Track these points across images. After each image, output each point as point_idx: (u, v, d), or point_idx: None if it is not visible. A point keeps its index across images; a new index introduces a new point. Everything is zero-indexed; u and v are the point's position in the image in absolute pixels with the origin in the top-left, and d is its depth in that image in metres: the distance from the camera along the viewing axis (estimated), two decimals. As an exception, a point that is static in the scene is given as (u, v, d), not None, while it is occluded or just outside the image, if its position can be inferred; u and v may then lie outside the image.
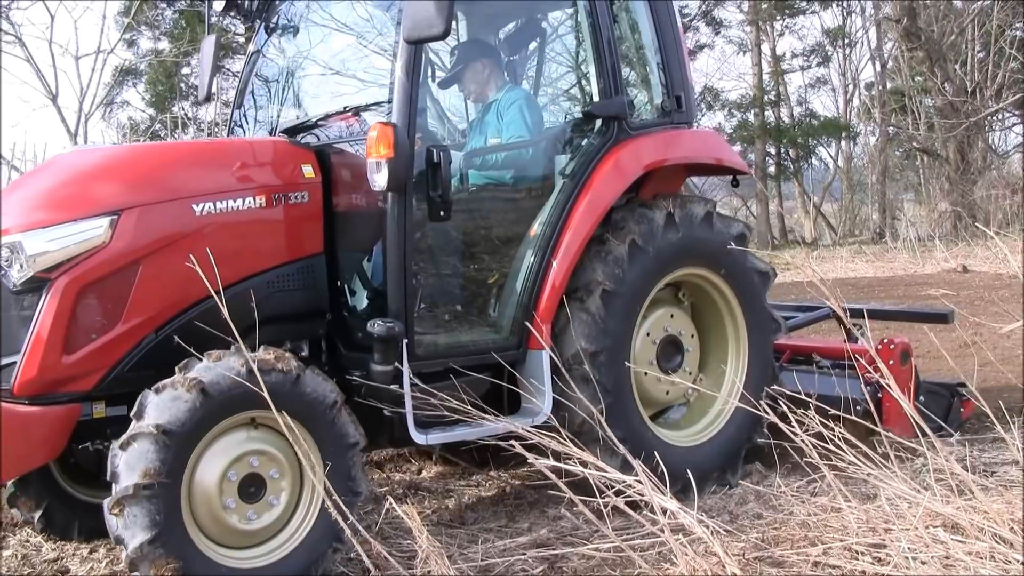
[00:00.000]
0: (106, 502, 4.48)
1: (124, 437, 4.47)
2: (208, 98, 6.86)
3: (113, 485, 4.47)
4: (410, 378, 5.28)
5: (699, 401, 6.56)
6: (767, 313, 6.62)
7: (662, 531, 4.28)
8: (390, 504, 5.39)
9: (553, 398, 5.67)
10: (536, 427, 5.30)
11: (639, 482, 4.44)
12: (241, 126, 6.61)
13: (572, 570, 4.98)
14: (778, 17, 39.14)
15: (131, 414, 4.58)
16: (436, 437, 5.48)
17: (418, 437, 5.35)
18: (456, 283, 6.03)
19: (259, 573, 4.79)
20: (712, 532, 4.35)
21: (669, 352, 6.37)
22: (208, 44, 6.82)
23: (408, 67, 5.31)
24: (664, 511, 4.32)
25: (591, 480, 4.61)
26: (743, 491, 6.07)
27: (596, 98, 6.27)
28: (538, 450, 4.86)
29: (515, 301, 5.88)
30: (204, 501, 4.66)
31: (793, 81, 46.70)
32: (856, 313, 7.57)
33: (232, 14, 6.55)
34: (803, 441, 4.75)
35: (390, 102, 5.36)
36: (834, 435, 4.81)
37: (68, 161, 5.43)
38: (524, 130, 6.24)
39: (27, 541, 5.75)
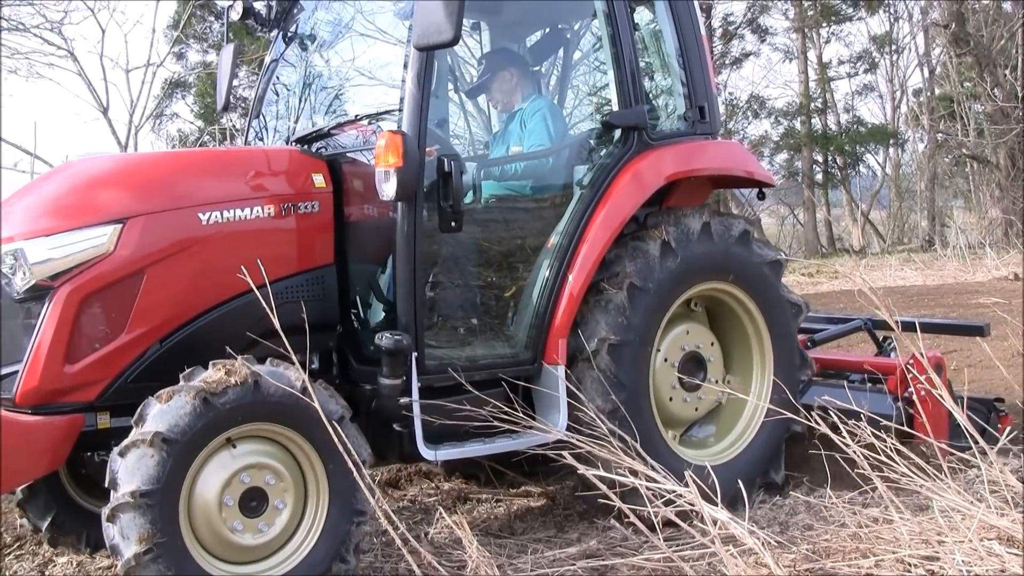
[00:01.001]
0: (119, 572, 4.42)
1: (108, 510, 4.38)
2: (226, 107, 6.83)
3: (115, 559, 4.41)
4: (419, 392, 5.22)
5: (729, 408, 6.42)
6: (785, 301, 6.44)
7: (713, 542, 4.25)
8: (440, 514, 5.38)
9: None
10: (588, 436, 5.29)
11: (690, 492, 4.42)
12: (260, 135, 6.58)
13: (621, 581, 4.95)
14: (824, 24, 38.88)
15: (106, 484, 4.49)
16: (446, 453, 5.39)
17: (427, 453, 5.26)
18: (470, 295, 5.92)
19: (295, 573, 4.76)
20: (763, 543, 4.31)
21: (691, 368, 6.22)
22: (226, 53, 6.81)
23: (419, 75, 5.24)
24: (715, 522, 4.30)
25: (641, 490, 4.59)
26: (793, 502, 5.99)
27: (616, 107, 6.17)
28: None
29: (530, 314, 5.79)
30: (211, 536, 4.60)
31: (840, 88, 46.55)
32: (880, 325, 7.55)
33: (250, 22, 6.51)
34: (855, 452, 4.71)
35: (401, 110, 5.30)
36: (886, 446, 4.78)
37: (76, 168, 5.39)
38: (546, 139, 6.17)
39: (78, 548, 5.77)
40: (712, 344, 6.34)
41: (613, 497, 4.42)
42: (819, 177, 39.80)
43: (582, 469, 4.61)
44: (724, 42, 37.66)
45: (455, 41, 4.99)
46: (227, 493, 4.60)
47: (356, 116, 5.84)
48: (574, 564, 5.15)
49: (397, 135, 5.07)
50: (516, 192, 6.18)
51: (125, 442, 4.43)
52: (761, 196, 7.30)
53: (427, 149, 5.29)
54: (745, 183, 7.02)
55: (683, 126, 6.45)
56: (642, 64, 6.38)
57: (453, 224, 5.33)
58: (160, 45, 31.30)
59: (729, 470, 6.01)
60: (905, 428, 6.03)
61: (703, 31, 6.60)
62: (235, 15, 6.43)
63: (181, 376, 4.61)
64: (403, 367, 5.15)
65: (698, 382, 6.21)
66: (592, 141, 6.43)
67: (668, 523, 4.60)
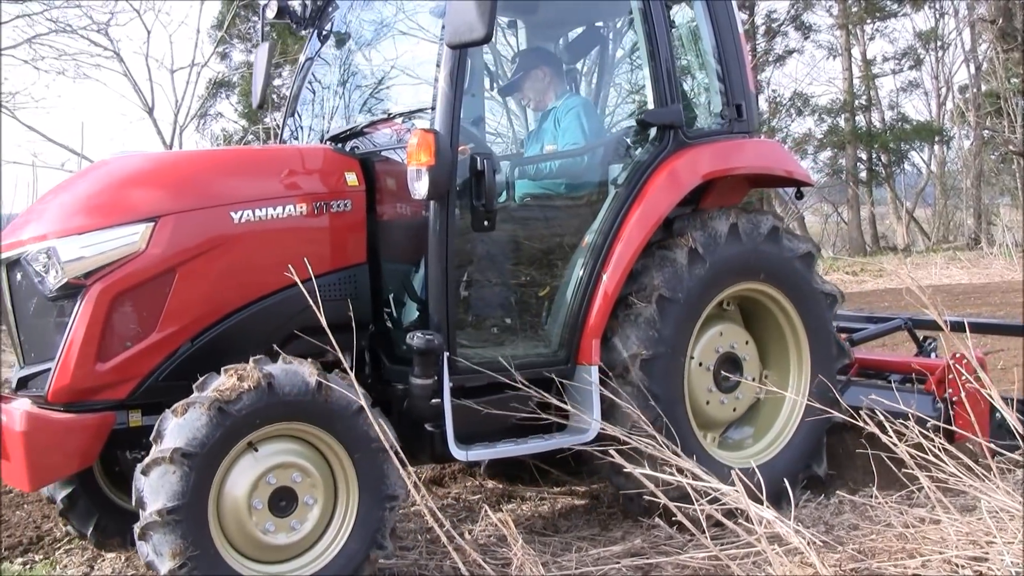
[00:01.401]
0: None
1: (139, 530, 4.39)
2: (262, 105, 6.85)
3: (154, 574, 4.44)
4: (450, 392, 5.19)
5: (768, 405, 6.34)
6: (819, 293, 6.35)
7: (759, 541, 4.21)
8: (485, 512, 5.33)
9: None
10: (624, 438, 5.22)
11: (735, 491, 4.36)
12: (295, 134, 6.57)
13: (666, 580, 4.92)
14: (868, 20, 38.55)
15: (133, 504, 4.49)
16: (477, 453, 5.39)
17: (458, 453, 5.24)
18: (503, 295, 5.87)
19: (334, 564, 4.75)
20: (808, 542, 4.26)
21: (727, 369, 6.14)
22: (262, 51, 6.81)
23: (451, 73, 5.20)
24: (760, 521, 4.25)
25: (688, 489, 4.54)
26: (838, 501, 5.95)
27: (651, 106, 6.09)
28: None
29: (564, 314, 5.74)
30: (245, 540, 4.61)
31: (884, 85, 46.07)
32: (931, 324, 7.51)
33: (285, 21, 6.50)
34: (903, 452, 4.63)
35: (434, 109, 5.26)
36: (933, 446, 4.69)
37: (109, 167, 5.40)
38: (580, 137, 6.12)
39: (125, 547, 5.80)
40: (747, 343, 6.26)
41: (660, 495, 4.41)
42: (863, 175, 39.46)
43: (628, 467, 4.55)
44: (767, 39, 37.45)
45: (488, 39, 4.95)
46: (255, 496, 4.60)
47: (389, 114, 5.85)
48: (618, 562, 5.13)
49: (429, 133, 5.04)
50: (550, 191, 6.13)
51: (146, 460, 4.43)
52: (799, 195, 7.21)
53: (460, 147, 5.26)
54: (783, 182, 6.92)
55: (720, 124, 6.38)
56: (679, 62, 6.31)
57: (486, 223, 5.29)
58: (204, 45, 31.57)
59: (771, 468, 5.95)
60: (952, 428, 5.93)
61: (740, 28, 6.51)
62: (270, 13, 6.42)
63: (194, 386, 4.59)
64: (435, 367, 5.13)
65: (737, 378, 6.15)
66: (627, 139, 6.37)
67: (712, 523, 4.55)
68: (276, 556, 4.69)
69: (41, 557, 5.92)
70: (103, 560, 5.73)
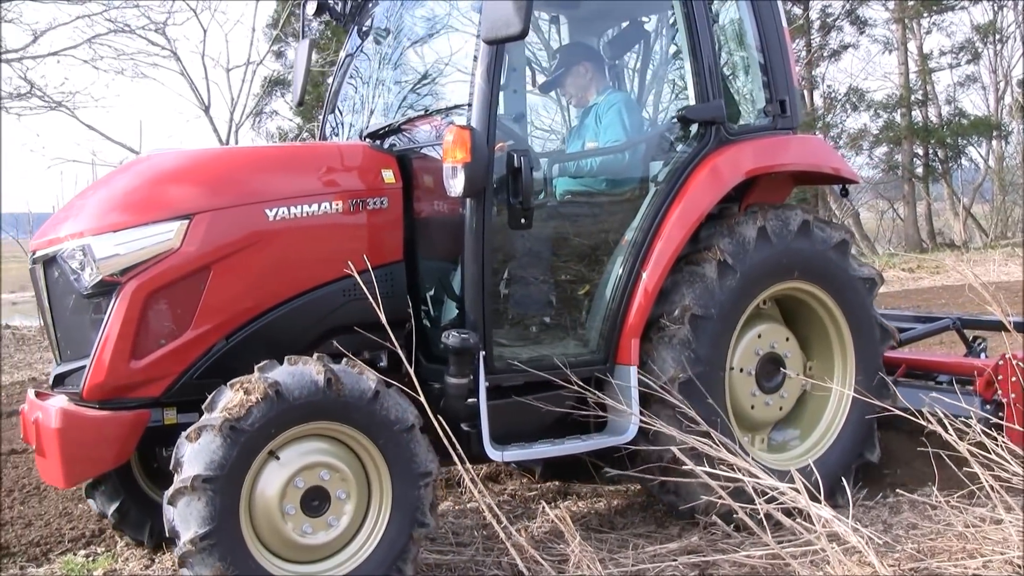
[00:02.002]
0: None
1: (178, 557, 4.38)
2: (301, 102, 6.83)
3: None
4: (486, 392, 5.16)
5: (814, 401, 6.26)
6: (857, 280, 6.23)
7: (818, 539, 4.22)
8: (543, 508, 5.37)
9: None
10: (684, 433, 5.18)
11: (795, 490, 4.37)
12: (337, 131, 6.57)
13: (724, 577, 4.91)
14: (925, 14, 38.03)
15: (167, 533, 4.47)
16: (513, 454, 5.35)
17: (494, 453, 5.21)
18: (541, 293, 5.82)
19: (379, 551, 4.74)
20: (867, 541, 4.23)
21: (769, 370, 6.07)
22: (302, 48, 6.80)
23: (488, 69, 5.17)
24: (819, 519, 4.23)
25: (749, 488, 4.52)
26: (896, 500, 5.88)
27: (693, 102, 6.02)
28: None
29: (603, 313, 5.69)
30: (287, 547, 4.61)
31: (941, 80, 45.27)
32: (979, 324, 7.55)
33: (324, 17, 6.52)
34: (965, 450, 4.59)
35: (470, 105, 5.22)
36: (997, 445, 4.63)
37: (145, 164, 5.42)
38: (622, 134, 6.05)
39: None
40: (787, 339, 6.18)
41: (724, 494, 4.45)
42: (919, 170, 38.98)
43: (689, 465, 4.51)
44: (822, 34, 37.09)
45: (524, 34, 4.90)
46: (286, 502, 4.58)
47: (426, 111, 5.82)
48: (675, 560, 5.13)
49: (465, 130, 5.00)
50: (591, 188, 6.06)
51: (170, 491, 4.41)
52: (844, 192, 7.10)
53: (497, 144, 5.22)
54: (829, 179, 6.84)
55: (763, 121, 6.29)
56: (722, 57, 6.24)
57: (523, 221, 5.25)
58: (260, 44, 31.82)
59: (824, 463, 5.91)
60: (1015, 427, 5.83)
61: (784, 23, 6.43)
62: (310, 10, 6.44)
63: (203, 407, 4.56)
64: (470, 366, 5.10)
65: (784, 371, 6.07)
66: (669, 136, 6.29)
67: (771, 522, 4.57)
68: (319, 554, 4.69)
69: (103, 550, 6.00)
70: (163, 553, 5.77)
